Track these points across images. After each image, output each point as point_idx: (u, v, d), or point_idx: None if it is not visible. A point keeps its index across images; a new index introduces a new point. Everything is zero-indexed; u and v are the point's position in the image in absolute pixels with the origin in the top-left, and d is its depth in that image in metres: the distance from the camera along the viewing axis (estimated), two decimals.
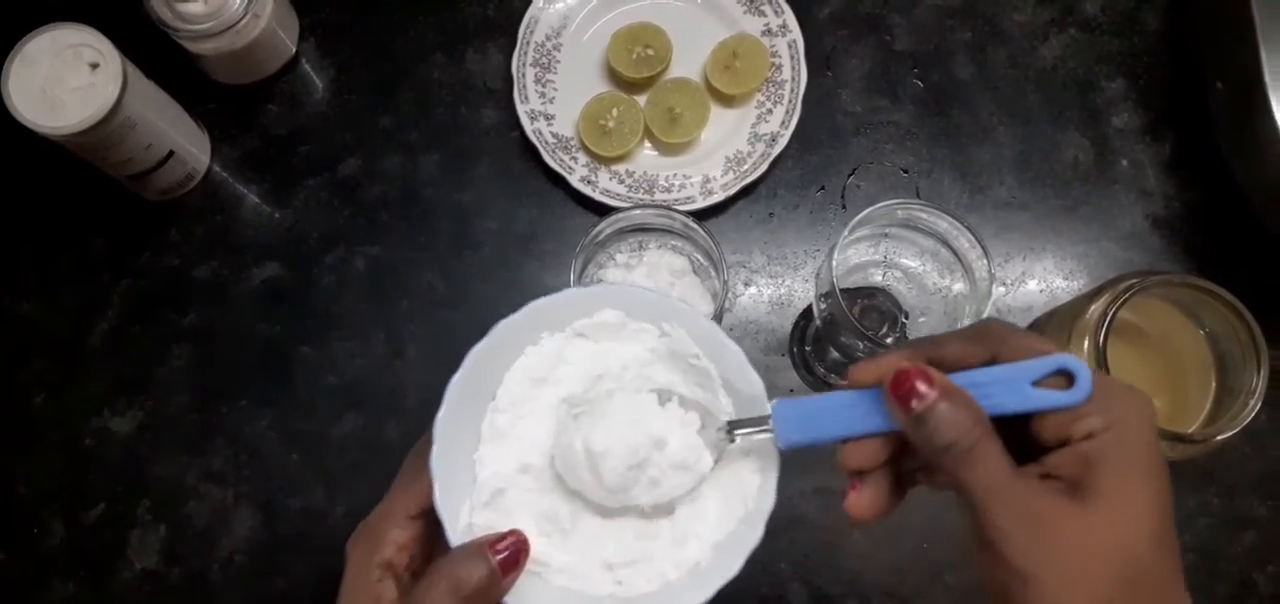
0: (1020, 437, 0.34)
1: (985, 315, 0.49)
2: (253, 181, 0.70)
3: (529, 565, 0.38)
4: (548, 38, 0.70)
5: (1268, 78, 0.59)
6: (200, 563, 0.62)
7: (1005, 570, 0.32)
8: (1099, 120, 0.69)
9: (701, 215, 0.66)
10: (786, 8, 0.69)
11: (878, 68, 0.71)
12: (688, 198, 0.66)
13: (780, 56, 0.68)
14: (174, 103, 0.66)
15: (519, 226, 0.68)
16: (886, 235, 0.57)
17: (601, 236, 0.53)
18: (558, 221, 0.68)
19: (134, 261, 0.68)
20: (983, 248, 0.50)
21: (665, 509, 0.40)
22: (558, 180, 0.67)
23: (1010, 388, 0.34)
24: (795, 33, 0.69)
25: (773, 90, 0.68)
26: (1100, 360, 0.52)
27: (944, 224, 0.52)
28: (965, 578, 0.61)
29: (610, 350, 0.41)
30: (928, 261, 0.55)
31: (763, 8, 0.70)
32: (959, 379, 0.34)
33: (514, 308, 0.66)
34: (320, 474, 0.64)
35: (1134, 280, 0.52)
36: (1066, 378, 0.33)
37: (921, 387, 0.33)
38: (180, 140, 0.66)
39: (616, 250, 0.55)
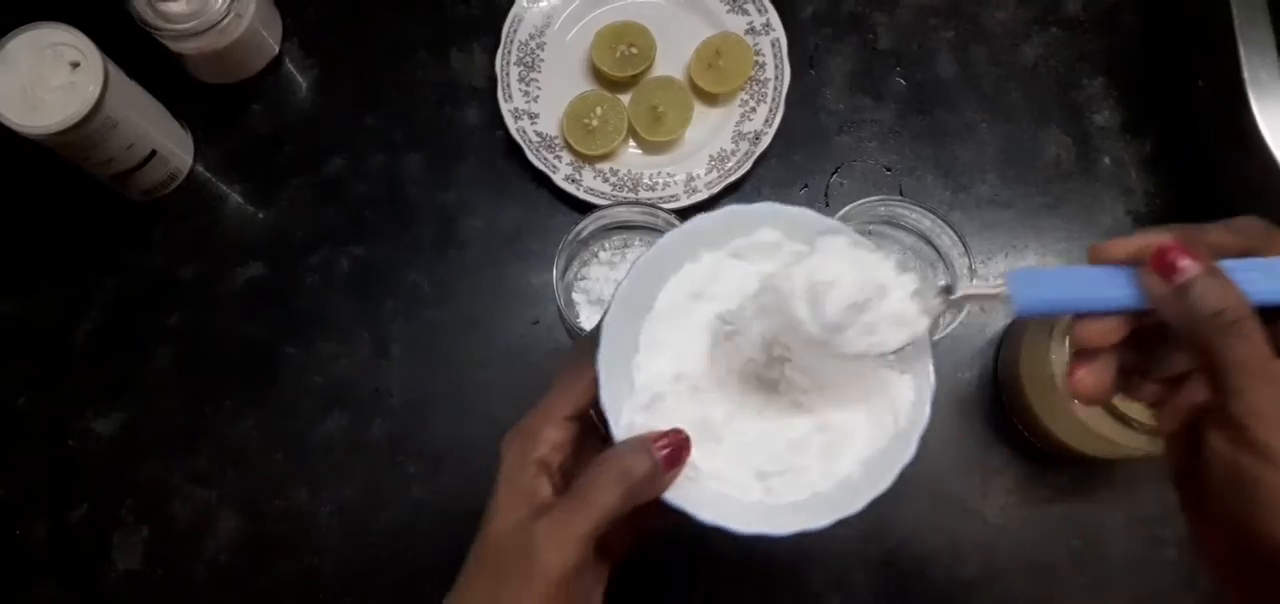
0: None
1: (964, 312, 0.49)
2: (236, 181, 0.70)
3: (684, 469, 0.39)
4: (531, 36, 0.70)
5: (1247, 75, 0.59)
6: (184, 564, 0.62)
7: (1251, 451, 0.32)
8: (1080, 118, 0.69)
9: (686, 214, 0.65)
10: (769, 6, 0.69)
11: (861, 66, 0.71)
12: (672, 196, 0.66)
13: (763, 55, 0.69)
14: (156, 102, 0.65)
15: (504, 225, 0.68)
16: (869, 233, 0.58)
17: (584, 234, 0.53)
18: (543, 220, 0.68)
19: (117, 262, 0.68)
20: (964, 244, 0.50)
21: (818, 413, 0.41)
22: (542, 179, 0.67)
23: (1269, 279, 0.34)
24: (778, 31, 0.69)
25: (756, 89, 0.68)
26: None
27: (926, 221, 0.52)
28: (946, 575, 0.61)
29: (765, 271, 0.41)
30: (910, 259, 0.55)
31: (746, 6, 0.70)
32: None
33: (498, 307, 0.66)
34: (304, 474, 0.64)
35: None
36: None
37: (1185, 261, 0.33)
38: (163, 140, 0.65)
39: (600, 248, 0.56)
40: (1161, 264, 0.34)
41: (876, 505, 0.39)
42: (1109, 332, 0.36)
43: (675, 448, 0.38)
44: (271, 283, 0.67)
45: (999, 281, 0.37)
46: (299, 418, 0.65)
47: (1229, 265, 0.34)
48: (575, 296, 0.55)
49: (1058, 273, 0.37)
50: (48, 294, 0.67)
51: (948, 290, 0.39)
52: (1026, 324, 0.62)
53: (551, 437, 0.39)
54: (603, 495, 0.37)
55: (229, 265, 0.68)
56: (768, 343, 0.41)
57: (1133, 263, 0.35)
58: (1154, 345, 0.37)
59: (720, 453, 0.40)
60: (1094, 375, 0.36)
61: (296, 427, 0.64)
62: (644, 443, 0.38)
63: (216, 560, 0.62)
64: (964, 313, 0.50)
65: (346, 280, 0.67)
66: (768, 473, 0.40)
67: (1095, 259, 0.36)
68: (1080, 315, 0.36)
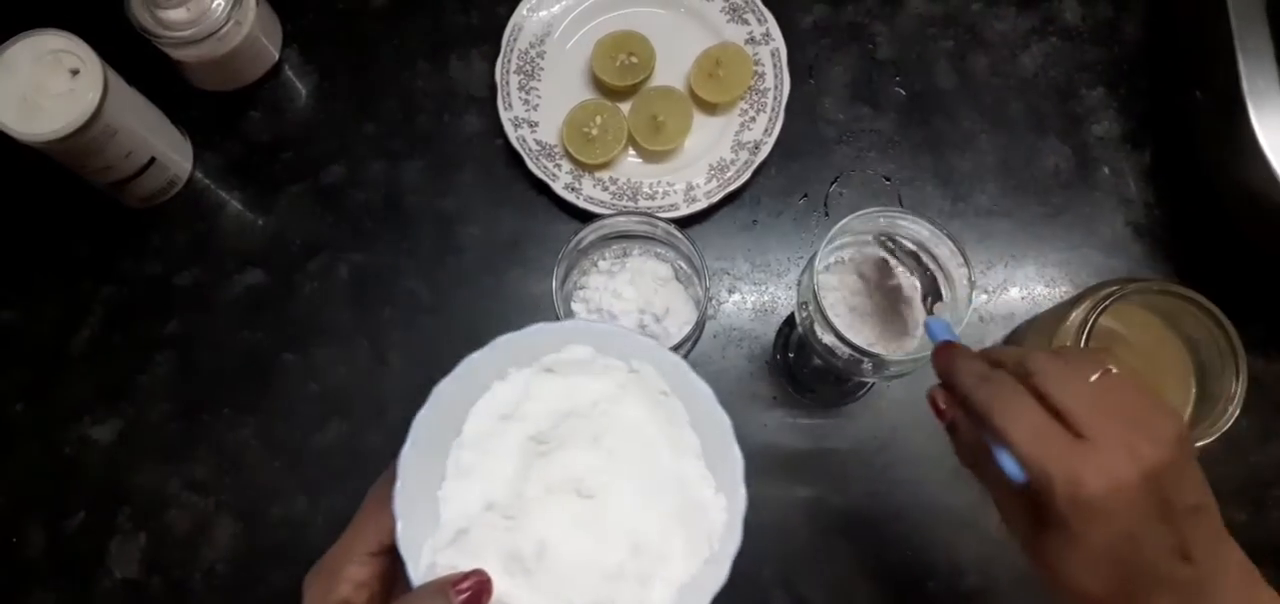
0: None
1: (964, 321, 0.49)
2: (235, 188, 0.70)
3: None
4: (532, 45, 0.70)
5: (1245, 86, 0.59)
6: (181, 572, 0.62)
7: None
8: (1080, 128, 0.69)
9: (685, 223, 0.66)
10: (769, 16, 0.70)
11: (860, 76, 0.71)
12: (671, 205, 0.66)
13: (763, 65, 0.69)
14: (156, 109, 0.65)
15: (502, 234, 0.68)
16: (869, 243, 0.58)
17: (583, 244, 0.53)
18: (541, 228, 0.68)
19: (115, 269, 0.68)
20: (963, 255, 0.50)
21: (632, 536, 0.40)
22: (541, 187, 0.67)
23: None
24: (778, 41, 0.69)
25: (756, 98, 0.68)
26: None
27: (924, 231, 0.52)
28: (945, 587, 0.61)
29: (579, 386, 0.41)
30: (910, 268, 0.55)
31: (746, 16, 0.70)
32: None
33: (496, 316, 0.66)
34: (302, 482, 0.63)
35: (1114, 287, 0.53)
36: None
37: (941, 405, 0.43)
38: (162, 147, 0.65)
39: (599, 258, 0.55)
40: (936, 411, 0.44)
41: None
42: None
43: (475, 591, 0.36)
44: (270, 290, 0.67)
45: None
46: (297, 426, 0.64)
47: (936, 325, 0.46)
48: (575, 306, 0.55)
49: None
50: (46, 301, 0.67)
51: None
52: (1025, 336, 0.62)
53: (355, 574, 0.37)
54: None
55: (227, 272, 0.68)
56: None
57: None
58: None
59: (534, 585, 0.39)
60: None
61: (295, 434, 0.64)
62: (442, 588, 0.36)
63: (214, 569, 0.62)
64: (960, 327, 0.50)
65: (345, 288, 0.67)
66: None
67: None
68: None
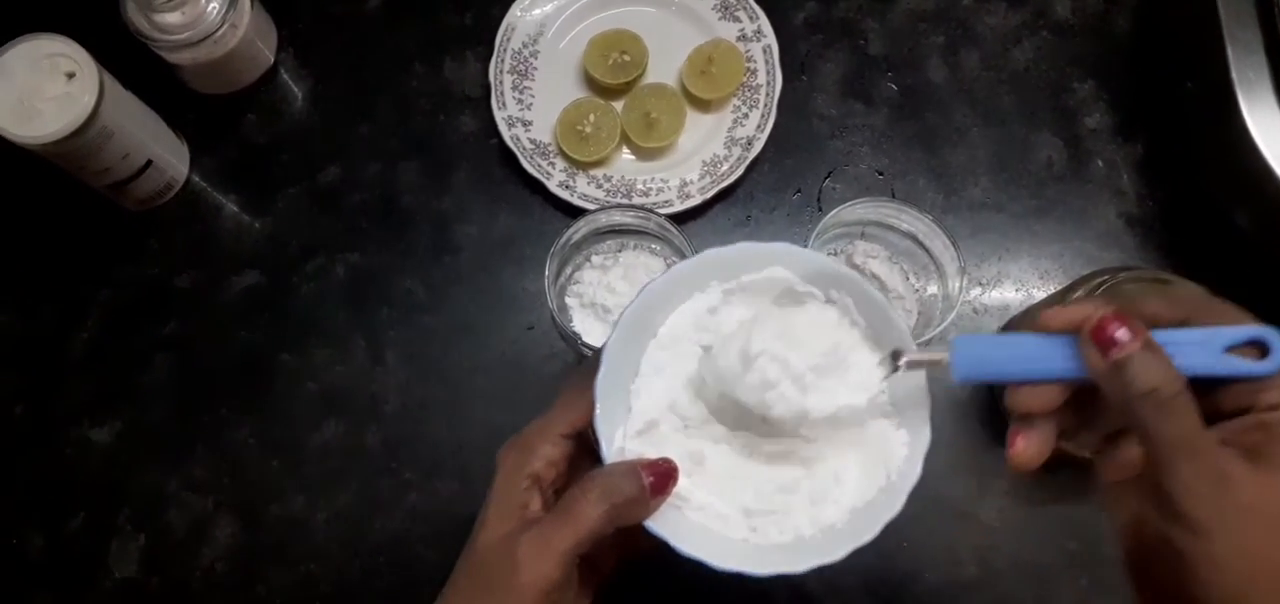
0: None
1: (954, 314, 0.50)
2: (232, 191, 0.70)
3: (671, 498, 0.39)
4: (525, 45, 0.70)
5: (1235, 77, 0.59)
6: (180, 572, 0.62)
7: (1180, 524, 0.32)
8: (1072, 121, 0.70)
9: (679, 219, 0.66)
10: (761, 13, 0.70)
11: (852, 72, 0.71)
12: (665, 202, 0.66)
13: (755, 61, 0.69)
14: (152, 112, 0.66)
15: (498, 232, 0.68)
16: (863, 236, 0.58)
17: (576, 238, 0.53)
18: (537, 226, 0.68)
19: (114, 271, 0.68)
20: (955, 249, 0.51)
21: (808, 459, 0.41)
22: (536, 186, 0.68)
23: (1204, 351, 0.34)
24: (770, 38, 0.69)
25: (748, 95, 0.69)
26: None
27: (919, 225, 0.52)
28: (943, 578, 0.61)
29: (773, 309, 0.42)
30: (903, 262, 0.55)
31: (738, 13, 0.70)
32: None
33: (492, 313, 0.66)
34: (300, 481, 0.64)
35: (1105, 276, 0.53)
36: (1259, 349, 0.34)
37: (1122, 334, 0.33)
38: (158, 150, 0.66)
39: (593, 252, 0.56)
40: (1100, 337, 0.34)
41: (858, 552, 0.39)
42: (1050, 399, 0.36)
43: (661, 476, 0.38)
44: (267, 291, 0.68)
45: (943, 349, 0.37)
46: (295, 425, 0.65)
47: (1165, 337, 0.34)
48: (568, 301, 0.55)
49: (999, 342, 0.38)
50: (44, 304, 0.68)
51: (896, 355, 0.39)
52: (1021, 325, 0.62)
53: (547, 453, 0.40)
54: (587, 514, 0.37)
55: (225, 274, 0.68)
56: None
57: (1073, 331, 0.35)
58: (1093, 403, 0.37)
59: (708, 486, 0.40)
60: (1033, 444, 0.37)
61: (292, 434, 0.65)
62: (632, 468, 0.38)
63: (213, 568, 0.62)
64: (950, 317, 0.50)
65: (342, 288, 0.67)
66: (754, 511, 0.40)
67: (1040, 325, 0.37)
68: (1019, 383, 0.37)
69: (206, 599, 0.62)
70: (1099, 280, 0.53)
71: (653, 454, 0.39)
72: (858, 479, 0.40)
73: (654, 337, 0.41)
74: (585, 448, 0.41)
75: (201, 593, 0.62)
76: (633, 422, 0.40)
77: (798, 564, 0.39)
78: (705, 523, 0.40)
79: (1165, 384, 0.33)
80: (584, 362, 0.40)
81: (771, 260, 0.41)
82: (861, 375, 0.40)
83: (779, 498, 0.40)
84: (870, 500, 0.40)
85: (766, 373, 0.39)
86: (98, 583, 0.62)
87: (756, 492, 0.41)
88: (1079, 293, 0.54)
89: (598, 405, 0.39)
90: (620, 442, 0.39)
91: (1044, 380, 0.36)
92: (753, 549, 0.40)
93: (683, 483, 0.40)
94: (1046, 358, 0.36)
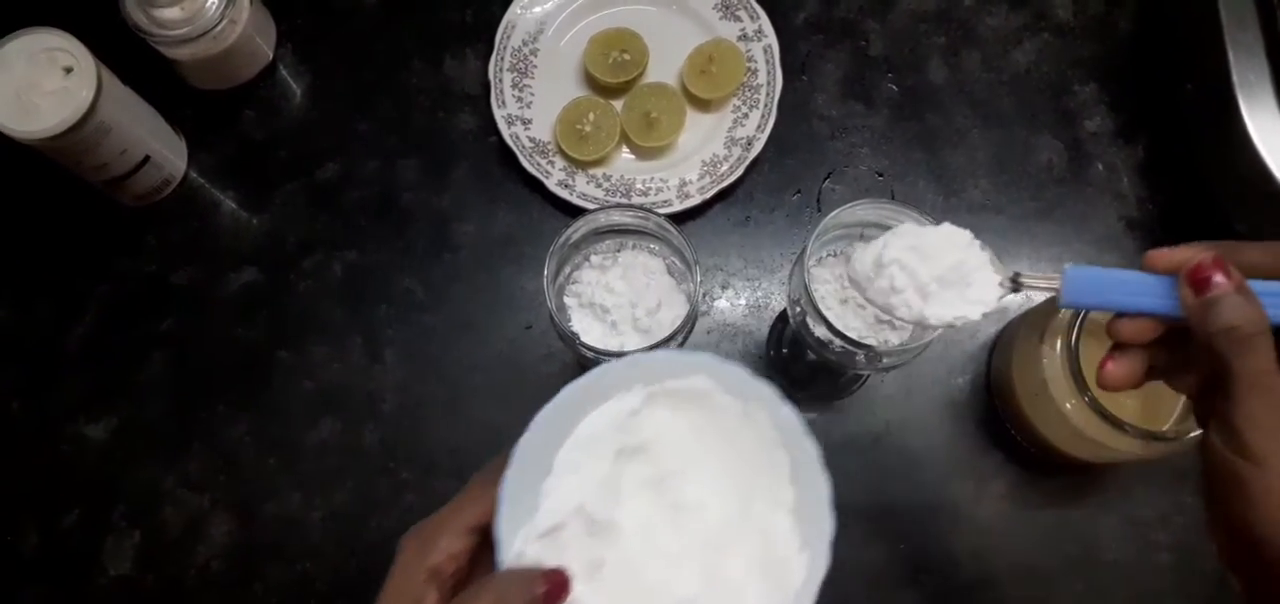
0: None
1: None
2: (230, 187, 0.70)
3: None
4: (525, 43, 0.70)
5: (1235, 79, 0.59)
6: (175, 569, 0.62)
7: (1244, 455, 0.35)
8: (1072, 124, 0.70)
9: (678, 219, 0.66)
10: (762, 13, 0.70)
11: (853, 73, 0.71)
12: (665, 202, 0.66)
13: (756, 61, 0.69)
14: (150, 108, 0.66)
15: (497, 231, 0.68)
16: (861, 237, 0.58)
17: (575, 238, 0.53)
18: (535, 225, 0.68)
19: (111, 267, 0.68)
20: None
21: (709, 575, 0.40)
22: (535, 185, 0.68)
23: None
24: (771, 38, 0.69)
25: (748, 95, 0.68)
26: (1073, 359, 0.52)
27: (911, 222, 0.52)
28: (940, 581, 0.61)
29: (690, 417, 0.42)
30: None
31: (738, 13, 0.70)
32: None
33: (490, 312, 0.66)
34: (297, 479, 0.63)
35: None
36: None
37: (1219, 277, 0.37)
38: (156, 145, 0.66)
39: (592, 252, 0.55)
40: (1197, 279, 0.37)
41: None
42: (1144, 331, 0.40)
43: (553, 588, 0.38)
44: (265, 288, 0.67)
45: (1056, 275, 0.41)
46: (292, 423, 0.65)
47: (1259, 287, 0.37)
48: (567, 301, 0.55)
49: (1108, 275, 0.41)
50: (40, 299, 0.67)
51: (1016, 278, 0.43)
52: (1017, 329, 0.62)
53: (449, 546, 0.39)
54: None
55: (222, 271, 0.68)
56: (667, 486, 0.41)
57: (1176, 272, 0.39)
58: (1187, 344, 0.40)
59: (608, 597, 0.39)
60: (1124, 368, 0.41)
61: (289, 432, 0.64)
62: (527, 577, 0.37)
63: (208, 566, 0.62)
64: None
65: (340, 285, 0.67)
66: None
67: (1147, 265, 0.40)
68: (1121, 314, 0.41)
69: (201, 597, 0.62)
70: None
71: (553, 561, 0.39)
72: (758, 597, 0.40)
73: (572, 434, 0.40)
74: (490, 542, 0.39)
75: (196, 591, 0.62)
76: (537, 523, 0.39)
77: None
78: None
79: (1247, 323, 0.36)
80: (498, 457, 0.40)
81: (696, 369, 0.42)
82: (981, 292, 0.44)
83: None
84: None
85: (895, 279, 0.44)
86: (92, 580, 0.62)
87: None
88: None
89: (502, 507, 0.38)
90: (520, 546, 0.38)
91: (1141, 313, 0.40)
92: None
93: (580, 591, 0.39)
94: (1147, 293, 0.39)
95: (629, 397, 0.41)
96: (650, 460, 0.41)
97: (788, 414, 0.40)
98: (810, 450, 0.40)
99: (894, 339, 0.54)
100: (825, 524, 0.39)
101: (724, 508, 0.41)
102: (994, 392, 0.64)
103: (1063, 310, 0.54)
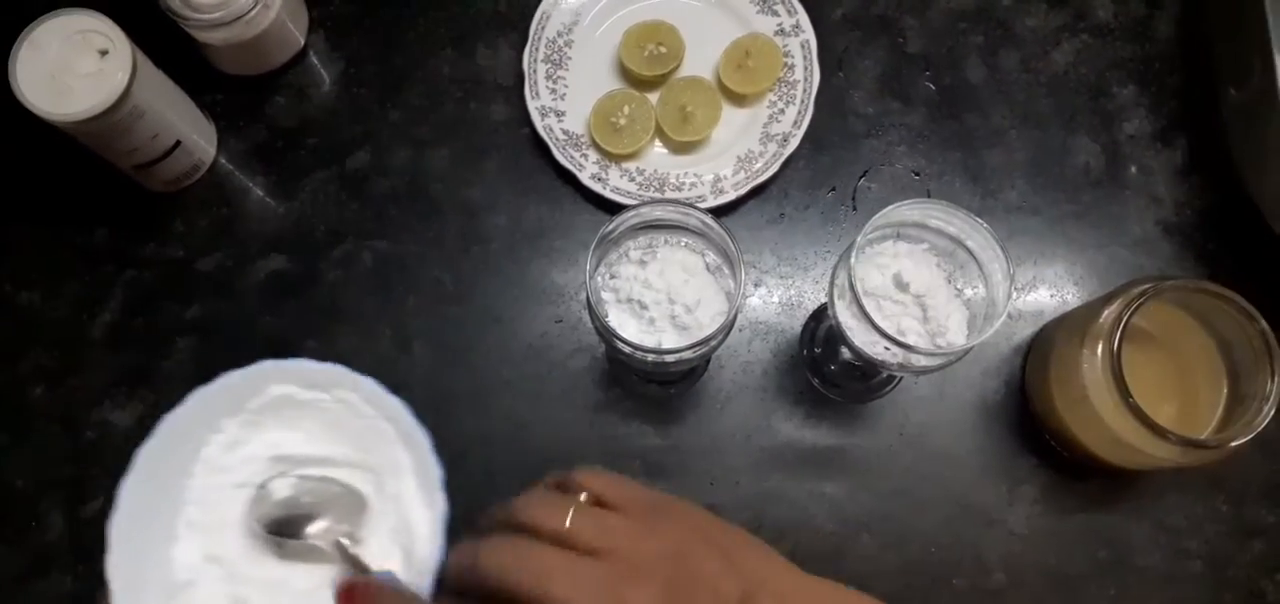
0: None
1: (1002, 316, 0.49)
2: (259, 174, 0.69)
3: None
4: (560, 34, 0.70)
5: None
6: None
7: None
8: (1110, 126, 0.69)
9: (711, 215, 0.65)
10: (799, 8, 0.69)
11: (890, 70, 0.70)
12: (699, 197, 0.65)
13: (793, 57, 0.68)
14: (182, 93, 0.65)
15: (528, 223, 0.67)
16: (899, 236, 0.57)
17: (615, 233, 0.52)
18: (567, 218, 0.67)
19: (138, 252, 0.67)
20: (1000, 247, 0.50)
21: None
22: (568, 177, 0.67)
23: None
24: (808, 33, 0.69)
25: (785, 90, 0.68)
26: (1114, 365, 0.52)
27: (956, 223, 0.51)
28: (971, 584, 0.61)
29: (288, 431, 0.45)
30: (944, 264, 0.54)
31: (775, 8, 0.69)
32: None
33: (520, 305, 0.66)
34: None
35: (1147, 285, 0.52)
36: None
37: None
38: (187, 131, 0.65)
39: (630, 247, 0.55)
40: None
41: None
42: None
43: None
44: (293, 276, 0.67)
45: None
46: None
47: None
48: (604, 295, 0.54)
49: None
50: (67, 284, 0.67)
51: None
52: (1055, 333, 0.61)
53: None
54: None
55: (250, 258, 0.67)
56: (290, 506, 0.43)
57: None
58: None
59: None
60: None
61: None
62: None
63: None
64: (998, 324, 0.49)
65: (369, 275, 0.67)
66: None
67: None
68: None
69: None
70: (1140, 291, 0.52)
71: None
72: (401, 572, 0.42)
73: (181, 495, 0.43)
74: None
75: None
76: (166, 590, 0.41)
77: None
78: None
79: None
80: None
81: (267, 380, 0.44)
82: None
83: None
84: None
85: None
86: None
87: None
88: (1117, 303, 0.53)
89: (113, 589, 0.40)
90: None
91: None
92: None
93: None
94: None
95: (223, 435, 0.43)
96: (266, 487, 0.43)
97: (371, 385, 0.43)
98: (399, 409, 0.43)
99: (934, 344, 0.53)
100: (433, 471, 0.43)
101: (350, 502, 0.43)
102: (1029, 395, 0.63)
103: (1104, 314, 0.54)
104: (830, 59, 0.70)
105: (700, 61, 0.69)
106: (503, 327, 0.66)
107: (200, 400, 0.43)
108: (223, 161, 0.69)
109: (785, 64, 0.68)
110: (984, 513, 0.62)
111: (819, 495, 0.62)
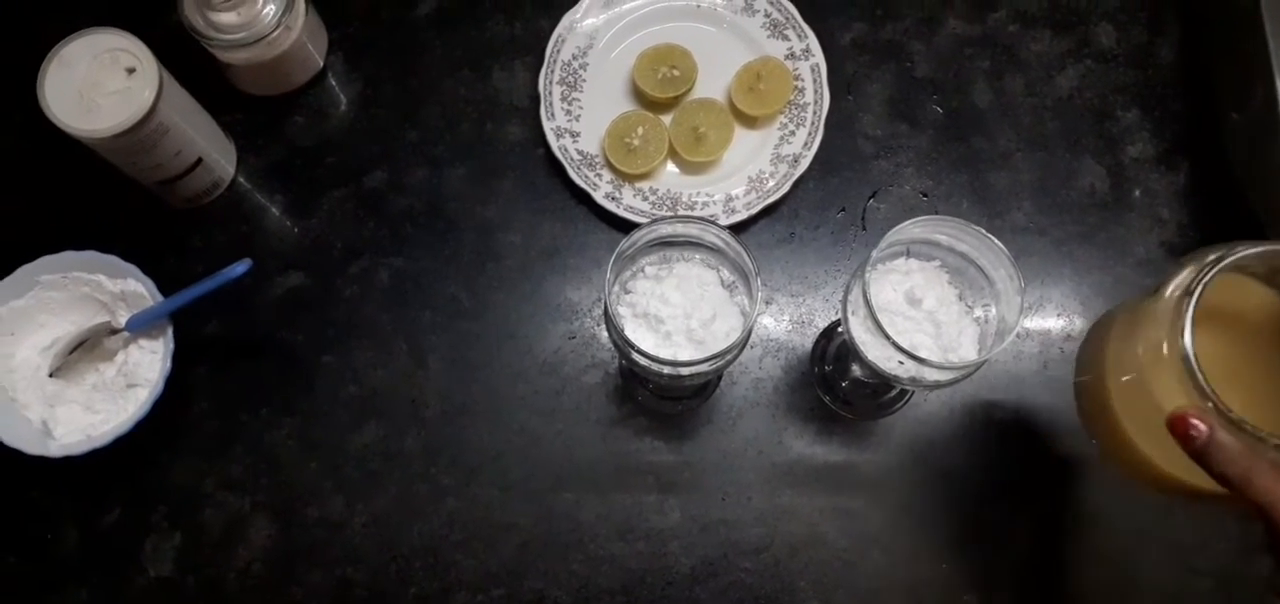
0: None
1: (1014, 332, 0.50)
2: (277, 192, 0.70)
3: None
4: (574, 57, 0.71)
5: None
6: (215, 571, 0.62)
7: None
8: (1115, 149, 0.70)
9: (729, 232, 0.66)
10: (810, 32, 0.70)
11: (898, 93, 0.72)
12: (711, 216, 0.66)
13: (803, 80, 0.70)
14: (205, 111, 0.66)
15: (542, 241, 0.68)
16: (911, 253, 0.58)
17: (633, 248, 0.53)
18: (581, 237, 0.68)
19: (157, 268, 0.67)
20: (1011, 266, 0.51)
21: None
22: (582, 196, 0.68)
23: None
24: (818, 57, 0.70)
25: (795, 113, 0.69)
26: (1188, 352, 0.42)
27: (966, 240, 0.52)
28: (984, 600, 0.61)
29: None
30: (955, 281, 0.55)
31: (786, 32, 0.71)
32: None
33: (534, 322, 0.66)
34: (339, 483, 0.63)
35: (1219, 250, 0.44)
36: None
37: (1193, 424, 0.41)
38: (209, 148, 0.66)
39: (646, 263, 0.56)
40: (1174, 431, 0.41)
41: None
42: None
43: None
44: (310, 292, 0.68)
45: None
46: (334, 427, 0.65)
47: None
48: (621, 309, 0.55)
49: None
50: None
51: None
52: (1109, 334, 0.51)
53: None
54: None
55: (268, 274, 0.68)
56: None
57: None
58: None
59: None
60: None
61: (332, 436, 0.64)
62: None
63: (249, 569, 0.62)
64: (1010, 339, 0.50)
65: (385, 292, 0.67)
66: None
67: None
68: None
69: (241, 600, 0.62)
70: (1214, 258, 0.43)
71: None
72: None
73: None
74: None
75: (236, 593, 0.62)
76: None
77: None
78: None
79: (1236, 459, 0.40)
80: None
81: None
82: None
83: None
84: None
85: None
86: (132, 580, 0.62)
87: None
88: (1184, 275, 0.45)
89: None
90: None
91: None
92: None
93: None
94: None
95: None
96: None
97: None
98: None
99: (945, 360, 0.54)
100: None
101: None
102: (1085, 417, 0.55)
103: (1169, 290, 0.45)
104: (840, 82, 0.71)
105: (712, 84, 0.70)
106: (517, 343, 0.66)
107: None
108: (242, 179, 0.70)
109: (796, 87, 0.69)
110: (993, 530, 0.63)
111: (830, 511, 0.63)
